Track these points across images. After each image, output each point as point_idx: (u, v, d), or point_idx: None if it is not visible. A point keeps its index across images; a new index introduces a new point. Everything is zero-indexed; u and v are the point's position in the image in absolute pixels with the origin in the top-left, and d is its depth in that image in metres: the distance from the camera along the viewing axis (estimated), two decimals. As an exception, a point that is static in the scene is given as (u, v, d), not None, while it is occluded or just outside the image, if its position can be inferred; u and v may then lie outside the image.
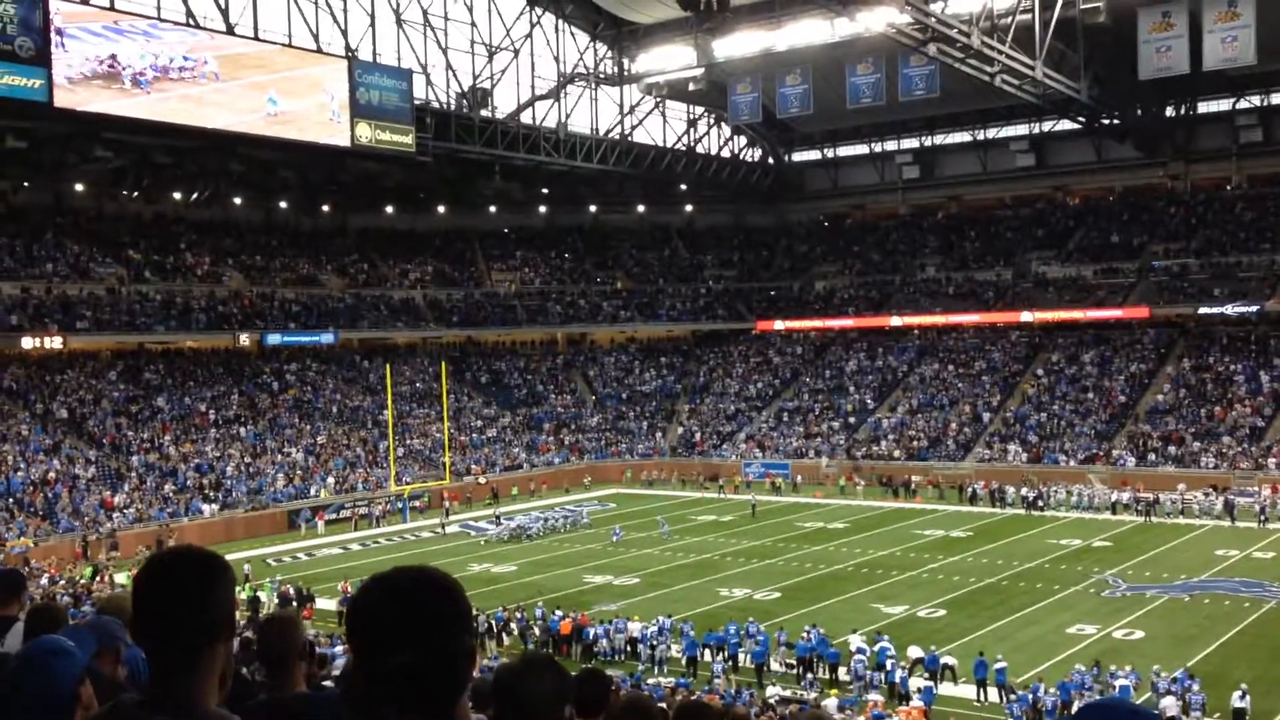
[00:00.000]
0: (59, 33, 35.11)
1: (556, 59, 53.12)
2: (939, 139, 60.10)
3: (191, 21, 40.19)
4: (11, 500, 35.24)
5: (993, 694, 19.52)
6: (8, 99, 34.25)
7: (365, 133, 43.68)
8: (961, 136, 59.30)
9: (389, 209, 57.25)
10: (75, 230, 47.15)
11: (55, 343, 41.36)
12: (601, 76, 54.70)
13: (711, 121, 60.87)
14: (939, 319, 53.94)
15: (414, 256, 58.08)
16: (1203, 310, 47.23)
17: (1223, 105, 52.58)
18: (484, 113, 49.19)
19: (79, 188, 46.48)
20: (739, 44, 49.42)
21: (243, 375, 47.62)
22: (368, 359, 52.38)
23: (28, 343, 40.44)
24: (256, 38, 41.69)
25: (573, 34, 53.78)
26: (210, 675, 1.74)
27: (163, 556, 1.81)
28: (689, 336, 61.10)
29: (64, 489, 36.62)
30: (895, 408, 50.95)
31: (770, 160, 64.70)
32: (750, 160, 64.03)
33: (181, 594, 1.73)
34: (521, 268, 60.88)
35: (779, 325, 58.38)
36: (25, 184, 45.53)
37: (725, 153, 62.40)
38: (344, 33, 44.81)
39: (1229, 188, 53.62)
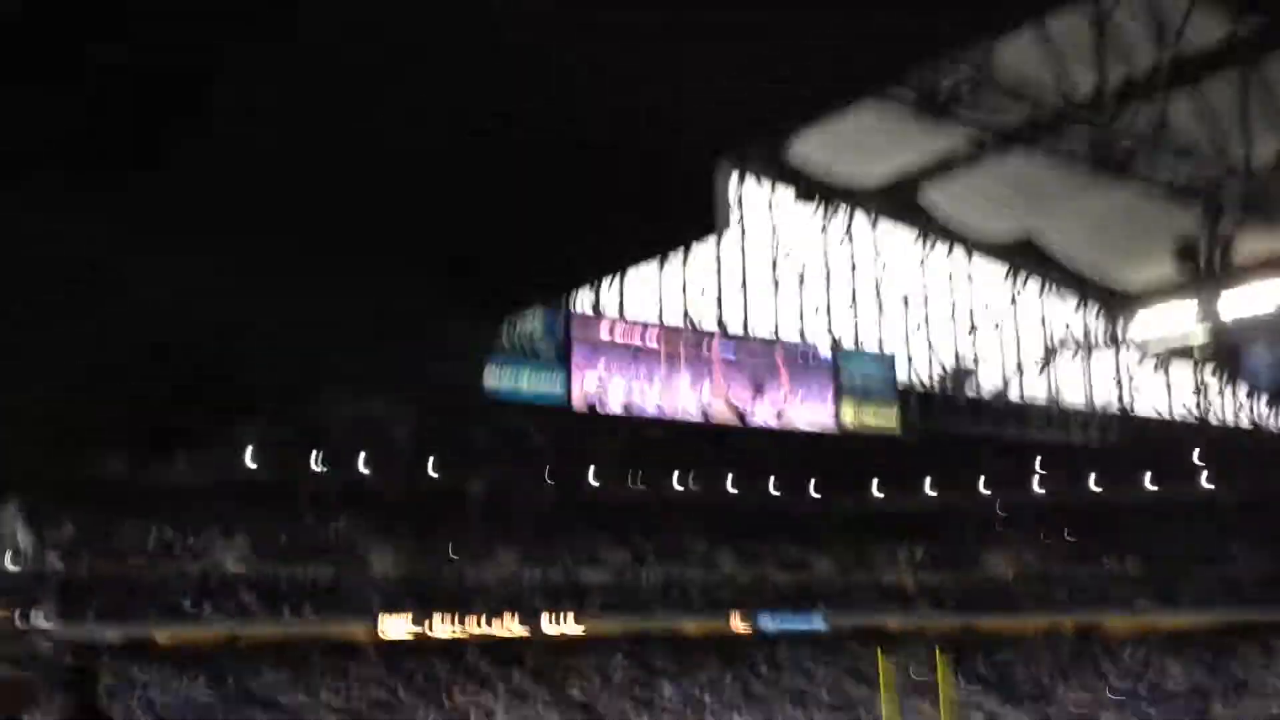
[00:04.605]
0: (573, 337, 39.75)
1: (1043, 328, 51.86)
2: None
3: (691, 325, 43.85)
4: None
5: None
6: (534, 402, 38.89)
7: (850, 415, 44.49)
8: None
9: (875, 490, 57.11)
10: (588, 518, 51.11)
11: (570, 625, 44.32)
12: (1093, 344, 52.43)
13: (1225, 386, 55.88)
14: None
15: (902, 538, 56.99)
16: None
17: None
18: (967, 388, 48.56)
19: (592, 479, 50.64)
20: (1250, 300, 45.64)
21: (735, 659, 48.07)
22: (860, 645, 51.06)
23: (547, 625, 43.73)
24: (746, 336, 44.52)
25: (1059, 300, 52.43)
26: None
27: None
28: (1219, 626, 54.11)
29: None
30: None
31: (1301, 425, 57.84)
32: (1277, 428, 57.58)
33: None
34: (1018, 549, 57.69)
35: (1332, 612, 50.30)
36: (549, 477, 50.35)
37: (1243, 420, 56.65)
38: (828, 320, 46.74)
39: None
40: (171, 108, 2.54)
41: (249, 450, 41.65)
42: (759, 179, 45.43)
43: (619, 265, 4.76)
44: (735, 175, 43.75)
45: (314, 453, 43.54)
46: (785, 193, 46.22)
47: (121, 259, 3.27)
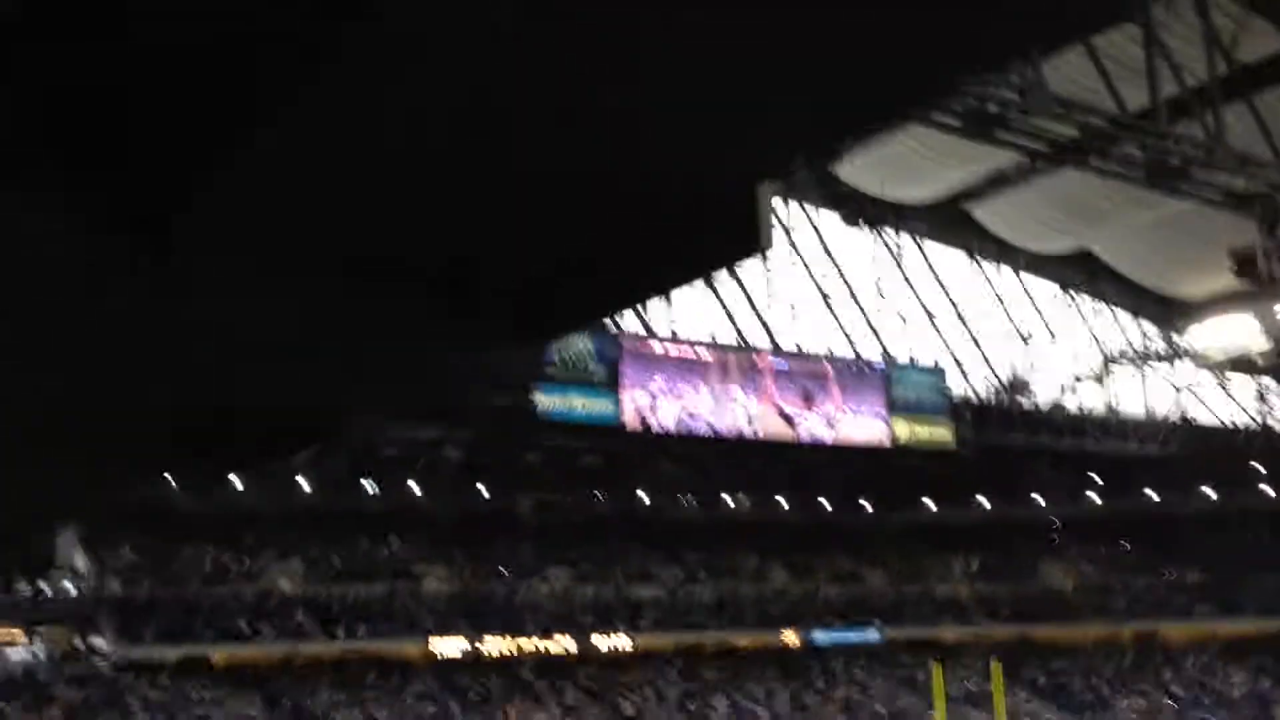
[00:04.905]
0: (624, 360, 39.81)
1: (1096, 340, 51.24)
2: None
3: (743, 344, 43.75)
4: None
5: None
6: (586, 423, 39.02)
7: (903, 430, 44.16)
8: None
9: (928, 503, 56.55)
10: (640, 536, 51.03)
11: (623, 642, 44.25)
12: (1149, 354, 51.72)
13: (1286, 393, 54.93)
14: None
15: (957, 550, 56.40)
16: None
17: None
18: (1022, 401, 48.04)
19: (644, 497, 50.59)
20: (1309, 305, 44.78)
21: (791, 673, 47.72)
22: (914, 656, 50.53)
23: (599, 642, 43.68)
24: (797, 351, 44.36)
25: (1114, 312, 51.82)
26: None
27: None
28: (1282, 633, 52.99)
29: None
30: None
31: (1364, 430, 56.59)
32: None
33: None
34: (1075, 560, 56.91)
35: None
36: (600, 496, 50.36)
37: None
38: (878, 336, 46.45)
39: None
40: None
41: (303, 475, 42.02)
42: (809, 202, 45.28)
43: (663, 286, 4.74)
44: (785, 196, 43.66)
45: (366, 476, 43.86)
46: (834, 215, 46.07)
47: (168, 287, 3.30)
